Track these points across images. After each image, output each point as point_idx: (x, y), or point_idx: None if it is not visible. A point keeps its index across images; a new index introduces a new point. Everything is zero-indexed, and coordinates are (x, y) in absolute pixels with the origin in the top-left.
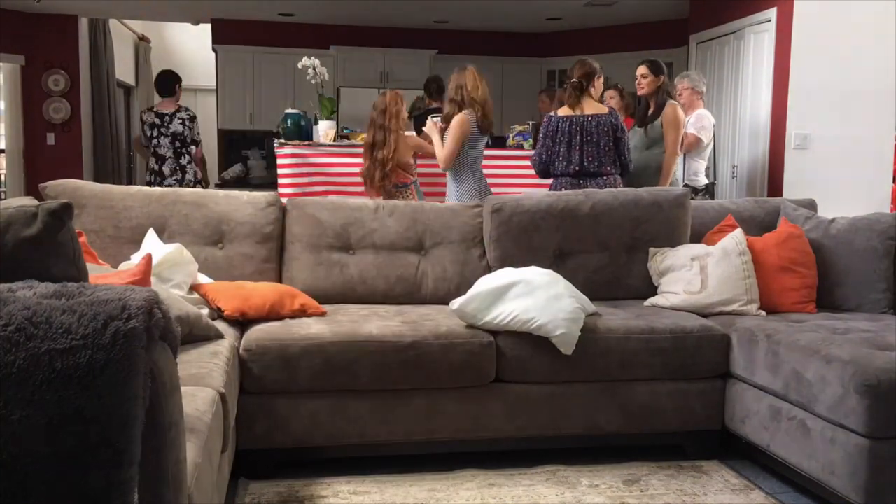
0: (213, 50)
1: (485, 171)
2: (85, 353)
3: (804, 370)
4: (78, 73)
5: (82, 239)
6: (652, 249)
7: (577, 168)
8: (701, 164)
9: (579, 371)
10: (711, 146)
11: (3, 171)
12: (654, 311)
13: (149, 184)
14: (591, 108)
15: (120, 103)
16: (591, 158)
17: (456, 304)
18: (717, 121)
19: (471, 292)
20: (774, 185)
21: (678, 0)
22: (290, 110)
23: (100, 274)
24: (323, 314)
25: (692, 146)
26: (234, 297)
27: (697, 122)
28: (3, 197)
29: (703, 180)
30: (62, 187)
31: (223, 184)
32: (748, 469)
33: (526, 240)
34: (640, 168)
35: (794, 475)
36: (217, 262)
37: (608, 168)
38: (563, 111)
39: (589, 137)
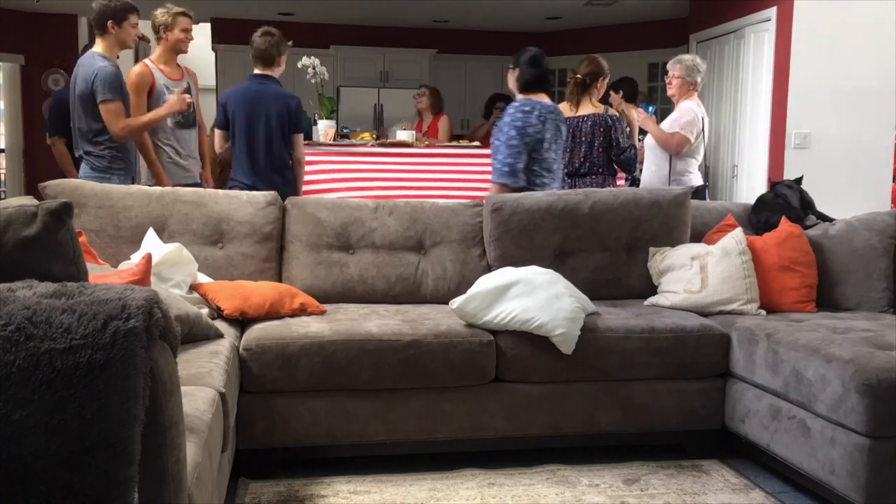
0: (213, 50)
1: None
2: (85, 352)
3: (804, 369)
4: None
5: (82, 239)
6: (652, 249)
7: (566, 169)
8: (690, 163)
9: (579, 370)
10: (703, 143)
11: (3, 171)
12: (654, 310)
13: None
14: (587, 108)
15: None
16: (582, 159)
17: (456, 303)
18: (717, 120)
19: (471, 291)
20: None
21: None
22: None
23: (100, 273)
24: (323, 313)
25: (680, 147)
26: (233, 296)
27: (680, 117)
28: (2, 196)
29: (694, 181)
30: (62, 187)
31: (224, 183)
32: (748, 468)
33: (526, 239)
34: None
35: (794, 474)
36: (217, 262)
37: (599, 169)
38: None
39: (582, 138)
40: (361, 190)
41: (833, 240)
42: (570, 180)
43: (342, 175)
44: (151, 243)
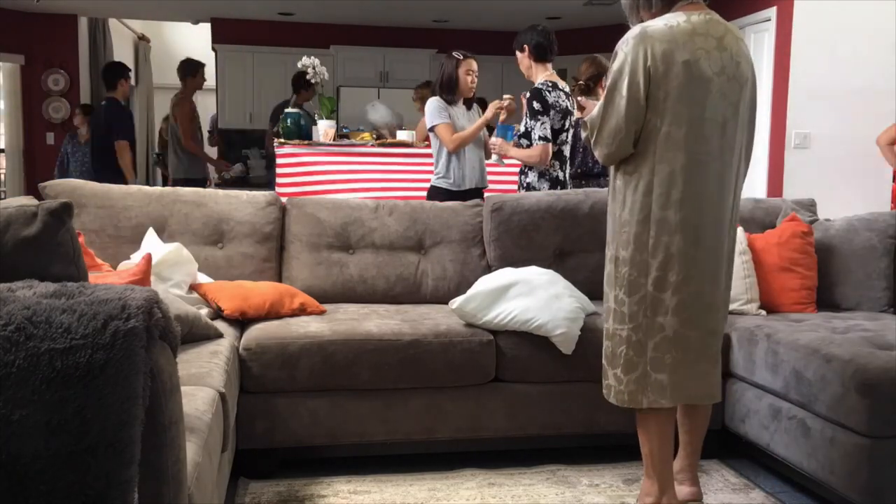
0: (213, 49)
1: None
2: (85, 352)
3: (804, 369)
4: (78, 73)
5: (80, 240)
6: None
7: (579, 170)
8: None
9: (579, 370)
10: None
11: (3, 171)
12: None
13: None
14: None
15: None
16: (593, 159)
17: (455, 303)
18: None
19: (470, 291)
20: (774, 184)
21: None
22: (289, 110)
23: (99, 274)
24: (322, 313)
25: None
26: (233, 296)
27: None
28: (3, 196)
29: None
30: (62, 187)
31: (223, 183)
32: (748, 468)
33: (526, 239)
34: None
35: (793, 474)
36: (217, 262)
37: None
38: None
39: None
40: (361, 190)
41: (833, 240)
42: (581, 182)
43: (342, 175)
44: (151, 243)
